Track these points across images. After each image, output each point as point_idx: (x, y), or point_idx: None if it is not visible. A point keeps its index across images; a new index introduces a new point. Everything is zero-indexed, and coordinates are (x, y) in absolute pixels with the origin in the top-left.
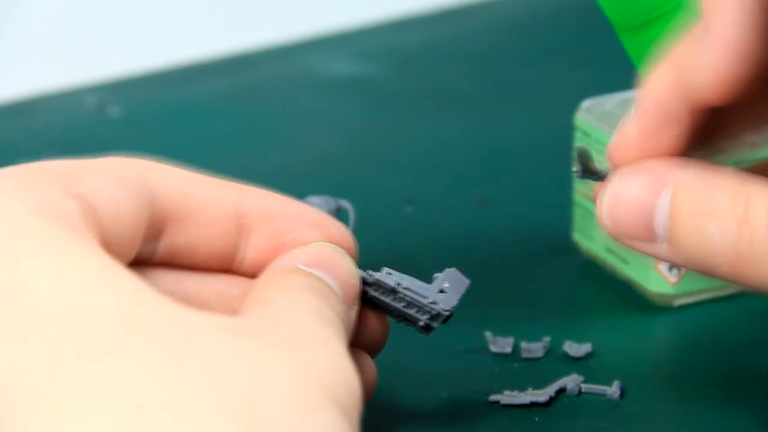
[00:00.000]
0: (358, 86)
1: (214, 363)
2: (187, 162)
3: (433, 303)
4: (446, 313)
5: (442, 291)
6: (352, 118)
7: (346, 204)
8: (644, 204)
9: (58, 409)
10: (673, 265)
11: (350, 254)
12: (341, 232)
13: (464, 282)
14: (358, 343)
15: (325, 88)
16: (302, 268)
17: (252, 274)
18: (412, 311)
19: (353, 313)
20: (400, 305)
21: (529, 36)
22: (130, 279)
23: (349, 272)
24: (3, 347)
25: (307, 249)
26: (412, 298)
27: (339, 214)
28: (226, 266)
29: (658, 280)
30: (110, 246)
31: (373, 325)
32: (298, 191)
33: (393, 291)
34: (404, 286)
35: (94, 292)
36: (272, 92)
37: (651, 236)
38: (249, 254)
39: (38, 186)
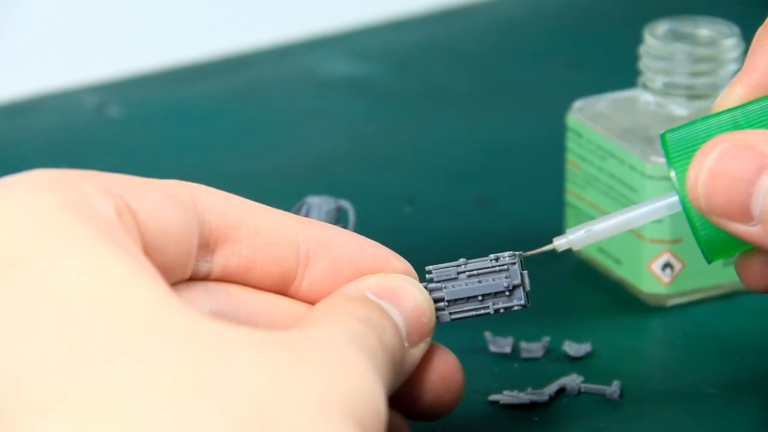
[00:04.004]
0: (358, 86)
1: (231, 371)
2: (187, 162)
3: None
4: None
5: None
6: (352, 118)
7: (346, 204)
8: (743, 182)
9: (68, 408)
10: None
11: None
12: (405, 266)
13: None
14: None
15: (325, 88)
16: (371, 297)
17: (308, 301)
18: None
19: (417, 353)
20: (474, 286)
21: (527, 36)
22: (158, 285)
23: (420, 310)
24: (21, 343)
25: (383, 278)
26: (479, 268)
27: (339, 214)
28: (281, 291)
29: (651, 281)
30: (152, 252)
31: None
32: (298, 191)
33: (456, 276)
34: (468, 267)
35: (119, 295)
36: (272, 92)
37: (745, 217)
38: (306, 282)
39: (74, 184)
